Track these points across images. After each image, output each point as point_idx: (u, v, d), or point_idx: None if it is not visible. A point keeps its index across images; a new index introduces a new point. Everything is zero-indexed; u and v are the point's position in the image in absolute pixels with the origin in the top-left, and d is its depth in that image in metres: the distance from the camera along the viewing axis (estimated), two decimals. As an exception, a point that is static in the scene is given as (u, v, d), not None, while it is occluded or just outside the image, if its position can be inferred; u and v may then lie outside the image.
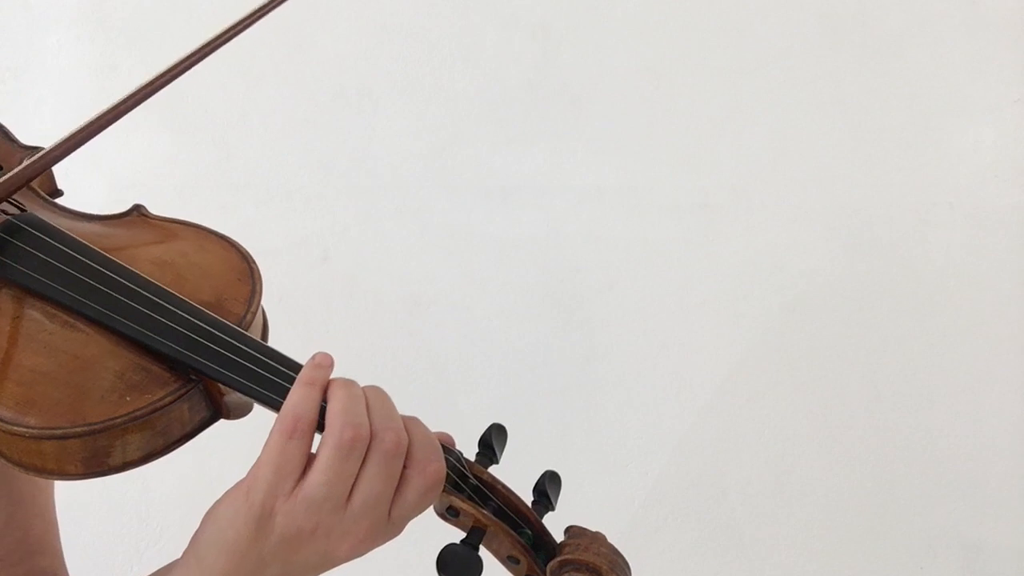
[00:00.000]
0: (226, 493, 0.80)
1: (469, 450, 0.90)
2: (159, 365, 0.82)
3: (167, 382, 0.81)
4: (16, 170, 0.88)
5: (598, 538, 0.87)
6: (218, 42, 0.97)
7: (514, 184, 2.33)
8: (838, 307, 2.38)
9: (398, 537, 0.82)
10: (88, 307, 0.83)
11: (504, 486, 0.88)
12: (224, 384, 0.82)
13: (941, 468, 2.39)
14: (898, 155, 2.35)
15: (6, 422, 0.77)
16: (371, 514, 0.79)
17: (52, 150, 0.90)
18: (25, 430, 0.77)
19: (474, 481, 0.87)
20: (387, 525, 0.81)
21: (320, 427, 0.79)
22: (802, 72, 2.35)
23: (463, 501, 0.85)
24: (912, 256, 2.37)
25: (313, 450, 0.79)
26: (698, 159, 2.35)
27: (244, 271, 0.92)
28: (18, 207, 0.92)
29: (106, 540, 2.20)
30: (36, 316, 0.83)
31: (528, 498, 0.90)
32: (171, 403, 0.80)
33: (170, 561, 0.87)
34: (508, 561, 0.88)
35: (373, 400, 0.81)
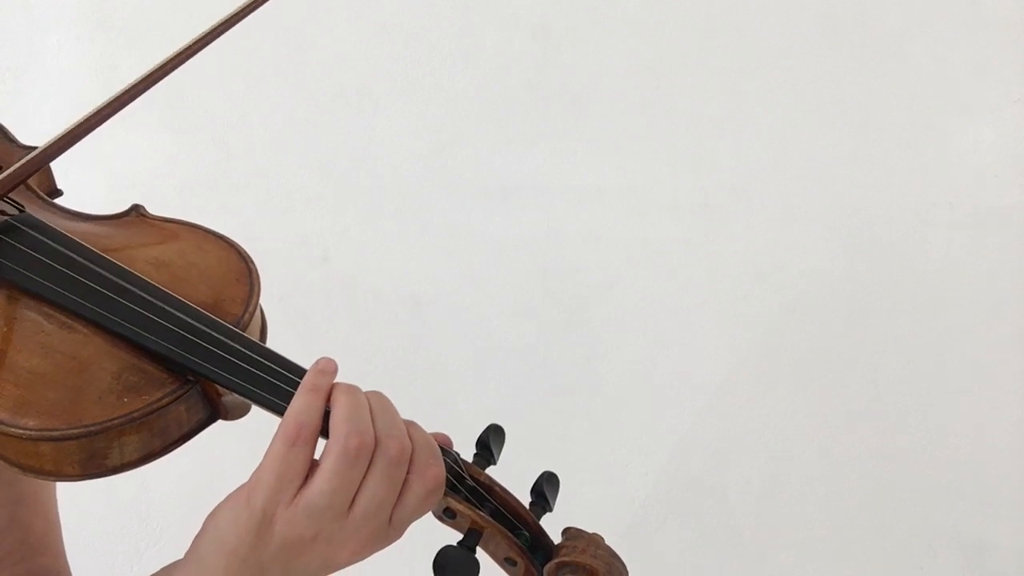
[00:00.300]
0: (227, 497, 0.80)
1: (467, 451, 0.90)
2: (156, 366, 0.82)
3: (164, 383, 0.81)
4: (10, 170, 0.88)
5: (595, 540, 0.87)
6: (209, 38, 0.97)
7: (514, 184, 2.33)
8: (838, 307, 2.38)
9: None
10: (85, 308, 0.83)
11: (502, 488, 0.88)
12: (221, 385, 0.82)
13: (941, 468, 2.39)
14: (898, 155, 2.35)
15: (3, 423, 0.77)
16: (373, 521, 0.79)
17: (46, 149, 0.90)
18: (22, 432, 0.77)
19: (471, 483, 0.87)
20: (388, 530, 0.80)
21: (323, 433, 0.79)
22: (802, 72, 2.35)
23: (460, 503, 0.85)
24: (912, 256, 2.37)
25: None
26: (698, 159, 2.35)
27: (242, 272, 0.92)
28: (17, 207, 0.92)
29: (106, 540, 2.20)
30: (33, 317, 0.83)
31: (526, 499, 0.90)
32: (168, 404, 0.80)
33: (171, 562, 0.87)
34: (505, 563, 0.88)
35: (376, 407, 0.81)
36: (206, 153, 2.27)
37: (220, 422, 0.85)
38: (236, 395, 0.82)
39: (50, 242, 0.87)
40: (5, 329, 0.82)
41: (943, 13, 2.33)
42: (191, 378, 0.82)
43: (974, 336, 2.37)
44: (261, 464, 0.78)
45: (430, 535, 0.88)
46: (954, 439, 2.39)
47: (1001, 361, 2.38)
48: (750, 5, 2.34)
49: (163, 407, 0.79)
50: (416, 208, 2.32)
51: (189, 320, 0.83)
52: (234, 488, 0.81)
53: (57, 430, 0.77)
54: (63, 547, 1.05)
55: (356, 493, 0.78)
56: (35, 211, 0.93)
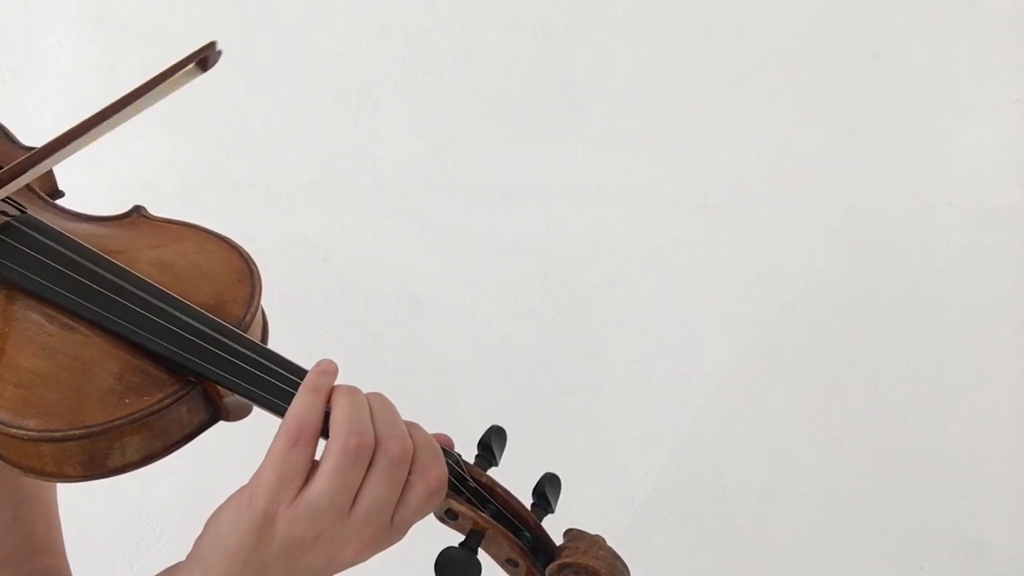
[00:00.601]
0: (229, 498, 0.80)
1: (468, 452, 0.90)
2: (158, 367, 0.82)
3: (166, 384, 0.81)
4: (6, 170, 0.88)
5: (597, 541, 0.87)
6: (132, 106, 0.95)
7: (514, 184, 2.33)
8: (838, 307, 2.38)
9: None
10: (87, 309, 0.83)
11: (503, 489, 0.88)
12: (222, 386, 0.82)
13: (941, 468, 2.39)
14: (898, 155, 2.35)
15: (5, 424, 0.77)
16: (374, 521, 0.79)
17: (35, 156, 0.90)
18: (23, 432, 0.77)
19: (473, 484, 0.87)
20: (390, 531, 0.80)
21: (324, 434, 0.79)
22: (802, 72, 2.35)
23: (461, 504, 0.85)
24: (912, 256, 2.37)
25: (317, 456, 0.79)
26: (698, 159, 2.35)
27: (244, 272, 0.92)
28: (18, 208, 0.92)
29: (106, 540, 2.20)
30: (35, 318, 0.83)
31: (527, 500, 0.90)
32: (170, 405, 0.80)
33: (172, 564, 0.87)
34: (507, 564, 0.87)
35: (377, 407, 0.81)
36: (206, 153, 2.27)
37: (221, 423, 0.85)
38: (237, 396, 0.82)
39: (51, 243, 0.87)
40: (7, 330, 0.82)
41: (943, 13, 2.33)
42: (192, 379, 0.82)
43: (974, 336, 2.37)
44: (262, 465, 0.78)
45: (432, 536, 0.88)
46: (954, 439, 2.39)
47: (1001, 361, 2.38)
48: (750, 5, 2.34)
49: (164, 408, 0.79)
50: (416, 208, 2.32)
51: (190, 321, 0.83)
52: (234, 489, 0.81)
53: (59, 431, 0.77)
54: (64, 547, 1.05)
55: (357, 493, 0.78)
56: (36, 212, 0.93)
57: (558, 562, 0.84)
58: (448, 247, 2.33)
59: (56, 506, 1.05)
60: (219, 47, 0.96)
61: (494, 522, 0.85)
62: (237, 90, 2.27)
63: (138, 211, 1.00)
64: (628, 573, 0.85)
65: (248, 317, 0.88)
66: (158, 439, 0.80)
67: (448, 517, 0.86)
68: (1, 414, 0.77)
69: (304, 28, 2.29)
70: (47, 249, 0.87)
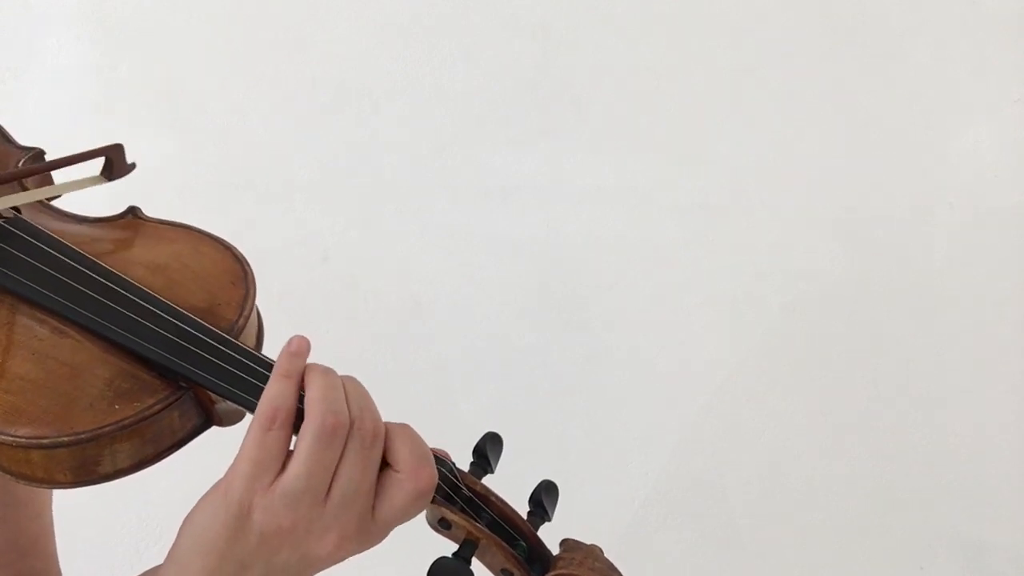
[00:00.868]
0: (205, 494, 0.79)
1: (465, 455, 0.90)
2: (149, 372, 0.81)
3: (157, 390, 0.80)
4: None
5: (593, 552, 0.86)
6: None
7: (514, 184, 2.33)
8: (838, 307, 2.38)
9: (389, 548, 0.81)
10: (78, 314, 0.83)
11: (498, 498, 0.87)
12: (213, 392, 0.81)
13: (941, 468, 2.38)
14: (898, 155, 2.35)
15: None
16: (351, 508, 0.78)
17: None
18: (12, 439, 0.76)
19: (467, 493, 0.86)
20: (370, 527, 0.79)
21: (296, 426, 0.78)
22: (802, 72, 2.34)
23: (455, 513, 0.84)
24: (912, 256, 2.37)
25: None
26: (698, 159, 2.35)
27: (238, 274, 0.91)
28: (12, 210, 0.92)
29: (106, 540, 2.20)
30: (26, 322, 0.83)
31: (524, 508, 0.89)
32: (160, 411, 0.79)
33: (149, 568, 0.87)
34: (502, 574, 0.86)
35: (350, 388, 0.80)
36: (206, 153, 2.27)
37: (215, 428, 0.85)
38: (229, 402, 0.82)
39: (44, 246, 0.87)
40: None
41: (943, 13, 2.32)
42: (184, 384, 0.81)
43: (974, 336, 2.37)
44: (237, 455, 0.77)
45: (425, 546, 0.87)
46: (954, 439, 2.39)
47: (1001, 361, 2.37)
48: (750, 5, 2.33)
49: (155, 414, 0.79)
50: (416, 208, 2.32)
51: (182, 326, 0.83)
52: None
53: (47, 438, 0.76)
54: (55, 550, 1.05)
55: (333, 477, 0.77)
56: (30, 214, 0.92)
57: (553, 573, 0.84)
58: (448, 247, 2.33)
59: (49, 509, 1.04)
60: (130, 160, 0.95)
61: (489, 532, 0.84)
62: (237, 90, 2.27)
63: (133, 212, 0.99)
64: (624, 584, 0.85)
65: (241, 320, 0.87)
66: (149, 445, 0.80)
67: (442, 526, 0.85)
68: None
69: (304, 28, 2.28)
70: (39, 253, 0.86)
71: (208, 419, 0.83)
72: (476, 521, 0.85)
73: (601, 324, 2.36)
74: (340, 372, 0.81)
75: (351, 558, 0.81)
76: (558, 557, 0.86)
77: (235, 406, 0.83)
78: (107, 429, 0.77)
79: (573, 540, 0.88)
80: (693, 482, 2.39)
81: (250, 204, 2.28)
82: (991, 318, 2.36)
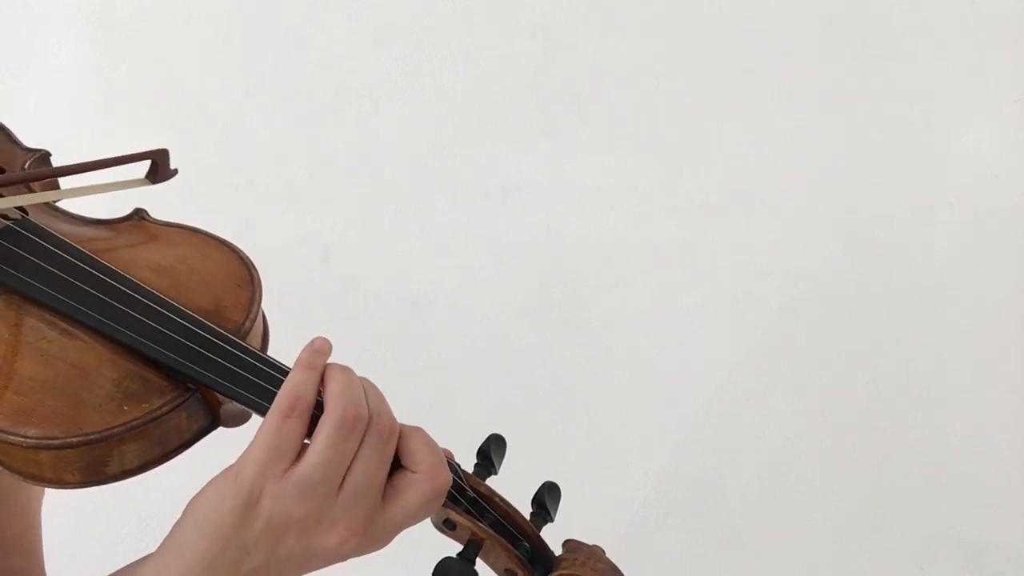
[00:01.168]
0: (213, 478, 0.79)
1: (467, 455, 0.90)
2: (157, 374, 0.81)
3: (164, 391, 0.80)
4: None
5: (596, 552, 0.86)
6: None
7: (514, 184, 2.33)
8: (838, 307, 2.38)
9: (394, 549, 0.81)
10: (86, 315, 0.83)
11: (502, 499, 0.88)
12: (221, 393, 0.82)
13: (941, 468, 2.39)
14: (898, 155, 2.35)
15: (3, 431, 0.77)
16: (362, 502, 0.78)
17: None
18: (22, 440, 0.76)
19: (471, 494, 0.87)
20: (378, 525, 0.79)
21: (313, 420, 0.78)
22: (803, 72, 2.34)
23: (460, 514, 0.85)
24: (912, 256, 2.37)
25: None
26: (698, 159, 2.35)
27: (244, 277, 0.92)
28: (19, 211, 0.92)
29: (106, 540, 2.20)
30: (34, 323, 0.83)
31: (527, 510, 0.90)
32: (168, 412, 0.79)
33: (139, 558, 0.87)
34: (505, 574, 0.87)
35: (368, 386, 0.81)
36: (206, 153, 2.27)
37: (221, 428, 0.85)
38: (236, 403, 0.82)
39: (52, 248, 0.87)
40: (6, 335, 0.82)
41: (943, 13, 2.32)
42: (191, 386, 0.81)
43: (974, 336, 2.37)
44: (252, 441, 0.77)
45: (430, 546, 0.88)
46: (954, 439, 2.39)
47: (1001, 361, 2.37)
48: (750, 5, 2.33)
49: (163, 415, 0.79)
50: (416, 208, 2.32)
51: (189, 327, 0.83)
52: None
53: (56, 438, 0.76)
54: (40, 547, 1.04)
55: (347, 471, 0.77)
56: (37, 216, 0.93)
57: (555, 573, 0.84)
58: (448, 247, 2.33)
59: (37, 506, 1.04)
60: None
61: (492, 532, 0.85)
62: (237, 90, 2.27)
63: (139, 214, 1.00)
64: (626, 583, 0.85)
65: (248, 323, 0.87)
66: (156, 446, 0.80)
67: (446, 527, 0.86)
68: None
69: (304, 28, 2.28)
70: (47, 254, 0.86)
71: (215, 420, 0.84)
72: (480, 522, 0.86)
73: (601, 324, 2.36)
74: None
75: (356, 559, 0.81)
76: (561, 558, 0.87)
77: (241, 407, 0.83)
78: (116, 430, 0.77)
79: (575, 541, 0.88)
80: (693, 482, 2.39)
81: (250, 204, 2.28)
82: (991, 318, 2.37)
